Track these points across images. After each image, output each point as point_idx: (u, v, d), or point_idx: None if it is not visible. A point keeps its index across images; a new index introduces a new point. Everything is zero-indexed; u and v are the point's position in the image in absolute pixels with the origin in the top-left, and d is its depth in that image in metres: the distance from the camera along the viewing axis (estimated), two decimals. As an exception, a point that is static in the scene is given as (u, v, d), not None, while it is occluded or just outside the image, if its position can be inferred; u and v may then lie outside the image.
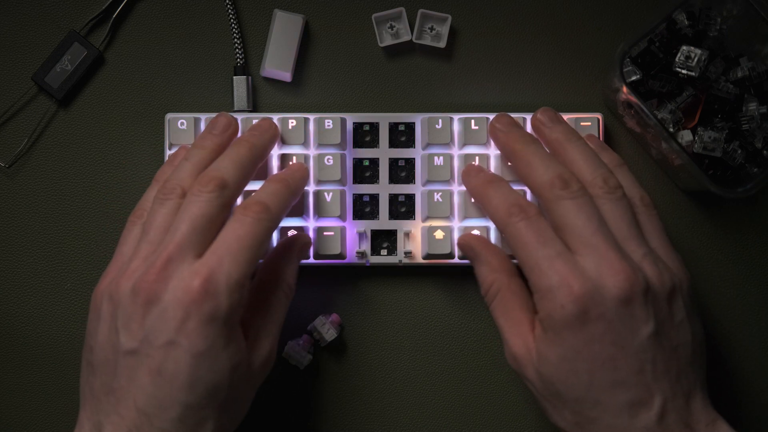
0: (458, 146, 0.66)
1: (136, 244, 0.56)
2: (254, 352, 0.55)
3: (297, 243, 0.61)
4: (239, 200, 0.61)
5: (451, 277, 0.67)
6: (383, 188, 0.66)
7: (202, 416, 0.51)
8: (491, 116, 0.66)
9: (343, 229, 0.65)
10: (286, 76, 0.68)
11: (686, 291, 0.54)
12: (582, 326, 0.51)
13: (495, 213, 0.56)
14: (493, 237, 0.65)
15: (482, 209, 0.60)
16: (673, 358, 0.52)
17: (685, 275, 0.55)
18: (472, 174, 0.61)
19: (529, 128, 0.64)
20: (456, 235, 0.65)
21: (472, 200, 0.65)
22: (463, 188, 0.65)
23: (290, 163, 0.64)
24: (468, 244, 0.61)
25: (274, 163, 0.65)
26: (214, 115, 0.65)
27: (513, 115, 0.65)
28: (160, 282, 0.51)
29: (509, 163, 0.62)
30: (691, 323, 0.54)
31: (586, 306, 0.51)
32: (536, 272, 0.53)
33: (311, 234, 0.65)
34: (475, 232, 0.63)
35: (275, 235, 0.64)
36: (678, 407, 0.52)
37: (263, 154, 0.60)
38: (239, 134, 0.62)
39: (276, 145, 0.66)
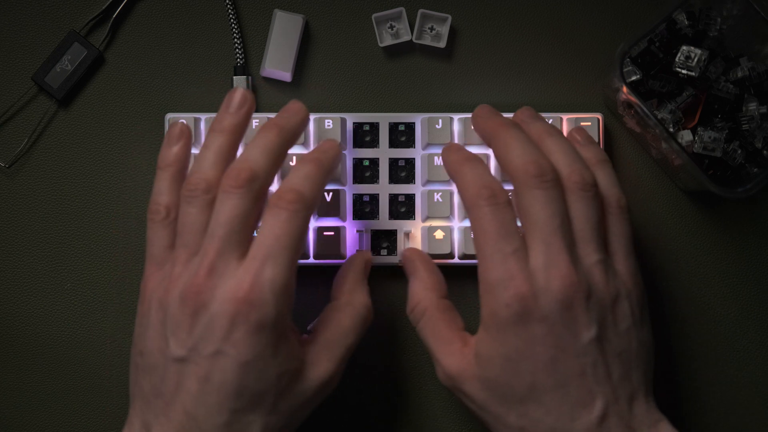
0: (458, 146, 0.66)
1: (167, 246, 0.55)
2: (312, 367, 0.54)
3: (362, 262, 0.61)
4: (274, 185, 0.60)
5: (451, 277, 0.67)
6: (383, 188, 0.66)
7: (249, 420, 0.52)
8: (491, 116, 0.66)
9: (343, 229, 0.65)
10: (286, 76, 0.68)
11: (635, 300, 0.54)
12: (524, 326, 0.51)
13: (465, 191, 0.55)
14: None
15: (455, 186, 0.58)
16: (615, 363, 0.53)
17: (635, 285, 0.55)
18: (452, 150, 0.59)
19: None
20: (456, 235, 0.65)
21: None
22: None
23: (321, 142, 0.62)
24: (410, 257, 0.61)
25: (274, 163, 0.66)
26: (214, 115, 0.65)
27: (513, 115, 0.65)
28: (206, 291, 0.51)
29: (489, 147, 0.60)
30: (638, 331, 0.54)
31: (528, 307, 0.51)
32: (488, 264, 0.53)
33: (311, 234, 0.65)
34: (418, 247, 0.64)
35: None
36: (620, 411, 0.52)
37: (293, 139, 0.57)
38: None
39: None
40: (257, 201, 0.54)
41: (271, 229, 0.52)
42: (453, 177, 0.58)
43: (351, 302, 0.58)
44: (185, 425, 0.51)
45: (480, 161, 0.57)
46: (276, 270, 0.51)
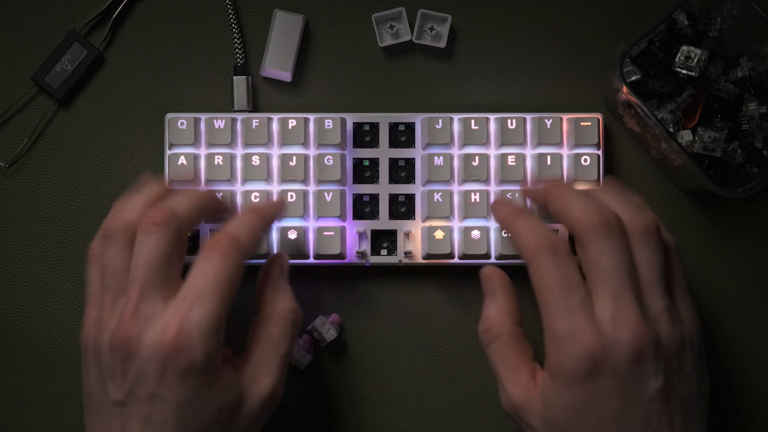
0: (458, 146, 0.66)
1: (99, 286, 0.55)
2: (252, 387, 0.54)
3: (278, 267, 0.59)
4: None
5: (451, 277, 0.67)
6: (383, 188, 0.66)
7: None
8: (491, 116, 0.66)
9: (343, 229, 0.65)
10: (286, 76, 0.68)
11: (696, 341, 0.54)
12: (593, 380, 0.51)
13: (523, 244, 0.54)
14: (493, 238, 0.65)
15: (510, 241, 0.57)
16: (678, 408, 0.52)
17: (696, 326, 0.55)
18: (502, 204, 0.60)
19: (529, 130, 0.64)
20: (456, 235, 0.65)
21: (473, 200, 0.65)
22: (464, 188, 0.65)
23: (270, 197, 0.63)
24: (490, 277, 0.59)
25: (275, 163, 0.65)
26: (214, 115, 0.65)
27: (513, 115, 0.65)
28: (133, 337, 0.51)
29: (547, 208, 0.59)
30: (698, 373, 0.54)
31: (598, 361, 0.51)
32: (554, 317, 0.52)
33: (311, 234, 0.65)
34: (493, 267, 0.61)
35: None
36: None
37: (219, 205, 0.58)
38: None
39: (276, 145, 0.66)
40: (178, 242, 0.53)
41: (202, 271, 0.52)
42: (508, 230, 0.58)
43: (275, 310, 0.57)
44: None
45: (532, 213, 0.57)
46: (204, 312, 0.51)
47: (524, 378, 0.54)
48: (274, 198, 0.65)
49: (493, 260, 0.65)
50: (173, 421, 0.51)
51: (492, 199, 0.65)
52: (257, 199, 0.64)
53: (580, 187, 0.65)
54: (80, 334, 0.55)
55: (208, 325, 0.51)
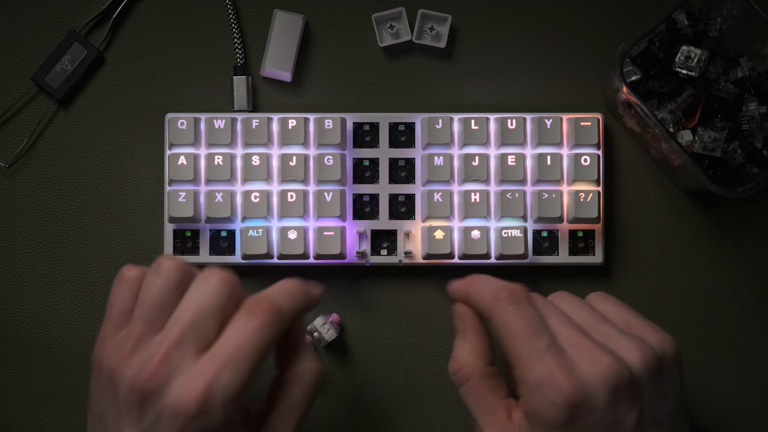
0: (458, 146, 0.66)
1: (127, 311, 0.53)
2: None
3: (299, 328, 0.56)
4: None
5: (451, 277, 0.67)
6: (383, 188, 0.66)
7: None
8: (491, 116, 0.66)
9: (343, 229, 0.65)
10: (286, 76, 0.68)
11: (671, 357, 0.53)
12: (571, 423, 0.50)
13: (482, 299, 0.54)
14: (493, 238, 0.65)
15: (468, 304, 0.56)
16: (658, 426, 0.52)
17: (665, 340, 0.54)
18: (455, 282, 0.58)
19: (529, 130, 0.64)
20: (456, 235, 0.65)
21: (473, 200, 0.65)
22: (464, 188, 0.65)
23: None
24: (462, 315, 0.57)
25: (275, 163, 0.65)
26: (214, 115, 0.65)
27: (513, 115, 0.66)
28: (157, 382, 0.49)
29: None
30: (674, 388, 0.53)
31: (575, 404, 0.50)
32: (525, 364, 0.51)
33: (311, 234, 0.65)
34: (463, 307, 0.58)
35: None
36: None
37: (310, 298, 0.55)
38: None
39: (276, 145, 0.66)
40: (232, 300, 0.51)
41: (239, 334, 0.50)
42: (466, 297, 0.56)
43: (297, 372, 0.54)
44: None
45: (486, 275, 0.56)
46: (232, 378, 0.49)
47: (500, 418, 0.54)
48: (274, 198, 0.65)
49: (493, 260, 0.65)
50: None
51: (492, 199, 0.65)
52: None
53: (580, 187, 0.65)
54: (94, 353, 0.53)
55: (233, 392, 0.49)
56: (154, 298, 0.52)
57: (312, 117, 0.66)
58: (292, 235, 0.65)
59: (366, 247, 0.66)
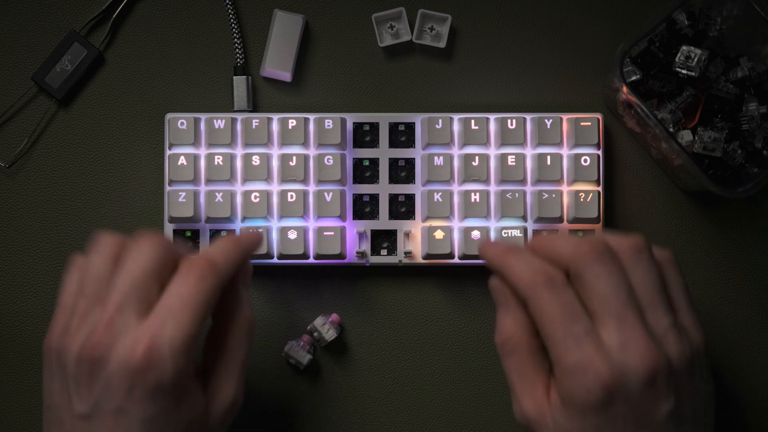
0: (458, 146, 0.66)
1: (73, 294, 0.54)
2: (215, 399, 0.54)
3: (241, 279, 0.58)
4: None
5: (451, 277, 0.67)
6: (383, 188, 0.66)
7: None
8: (491, 116, 0.66)
9: (343, 229, 0.65)
10: (286, 76, 0.68)
11: (702, 353, 0.54)
12: (606, 409, 0.50)
13: (518, 280, 0.53)
14: (493, 238, 0.65)
15: (504, 280, 0.56)
16: (688, 422, 0.52)
17: (702, 339, 0.54)
18: (489, 245, 0.57)
19: (529, 130, 0.65)
20: (456, 235, 0.65)
21: (473, 200, 0.65)
22: (464, 188, 0.65)
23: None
24: (501, 289, 0.57)
25: (275, 163, 0.66)
26: (214, 115, 0.65)
27: (513, 115, 0.66)
28: (102, 348, 0.50)
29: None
30: (705, 385, 0.54)
31: (612, 391, 0.50)
32: (561, 349, 0.51)
33: (311, 234, 0.65)
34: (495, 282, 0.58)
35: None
36: None
37: (243, 248, 0.57)
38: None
39: (276, 145, 0.66)
40: (168, 262, 0.53)
41: (177, 290, 0.52)
42: (500, 271, 0.56)
43: (235, 321, 0.56)
44: None
45: (523, 249, 0.56)
46: (177, 330, 0.50)
47: (539, 393, 0.54)
48: (274, 198, 0.65)
49: (493, 260, 0.65)
50: None
51: (492, 199, 0.65)
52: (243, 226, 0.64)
53: (580, 187, 0.65)
54: (44, 343, 0.54)
55: (180, 344, 0.50)
56: (93, 274, 0.53)
57: (312, 117, 0.66)
58: (292, 235, 0.65)
59: (366, 247, 0.66)
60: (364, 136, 0.67)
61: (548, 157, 0.65)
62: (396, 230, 0.66)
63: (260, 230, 0.63)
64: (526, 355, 0.55)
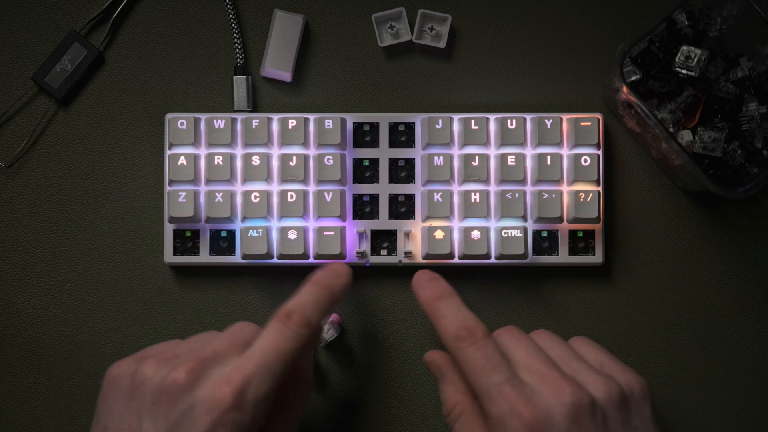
0: (458, 146, 0.66)
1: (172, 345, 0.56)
2: None
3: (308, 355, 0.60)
4: None
5: (450, 277, 0.67)
6: (383, 188, 0.66)
7: None
8: (491, 116, 0.66)
9: (343, 229, 0.65)
10: (286, 76, 0.68)
11: (639, 397, 0.54)
12: None
13: (444, 334, 0.56)
14: (493, 238, 0.65)
15: (432, 324, 0.59)
16: None
17: (638, 382, 0.55)
18: (423, 284, 0.60)
19: (529, 130, 0.64)
20: (456, 235, 0.65)
21: (473, 200, 0.65)
22: (464, 188, 0.65)
23: (331, 262, 0.63)
24: (434, 362, 0.60)
25: (275, 163, 0.65)
26: (214, 115, 0.65)
27: (513, 115, 0.66)
28: (192, 376, 0.51)
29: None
30: (647, 427, 0.54)
31: (536, 430, 0.51)
32: (487, 399, 0.53)
33: (311, 234, 0.65)
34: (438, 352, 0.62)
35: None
36: None
37: (336, 298, 0.59)
38: None
39: (276, 145, 0.66)
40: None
41: (274, 341, 0.53)
42: (429, 317, 0.58)
43: (296, 380, 0.58)
44: None
45: (452, 295, 0.58)
46: (265, 379, 0.51)
47: None
48: (274, 198, 0.65)
49: (493, 260, 0.65)
50: None
51: (492, 199, 0.65)
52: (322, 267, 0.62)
53: (580, 187, 0.65)
54: (112, 367, 0.54)
55: (265, 392, 0.51)
56: (200, 337, 0.56)
57: (312, 117, 0.66)
58: (292, 235, 0.65)
59: (366, 247, 0.66)
60: (364, 136, 0.67)
61: (548, 157, 0.65)
62: (396, 230, 0.66)
63: (347, 267, 0.61)
64: (472, 418, 0.57)
